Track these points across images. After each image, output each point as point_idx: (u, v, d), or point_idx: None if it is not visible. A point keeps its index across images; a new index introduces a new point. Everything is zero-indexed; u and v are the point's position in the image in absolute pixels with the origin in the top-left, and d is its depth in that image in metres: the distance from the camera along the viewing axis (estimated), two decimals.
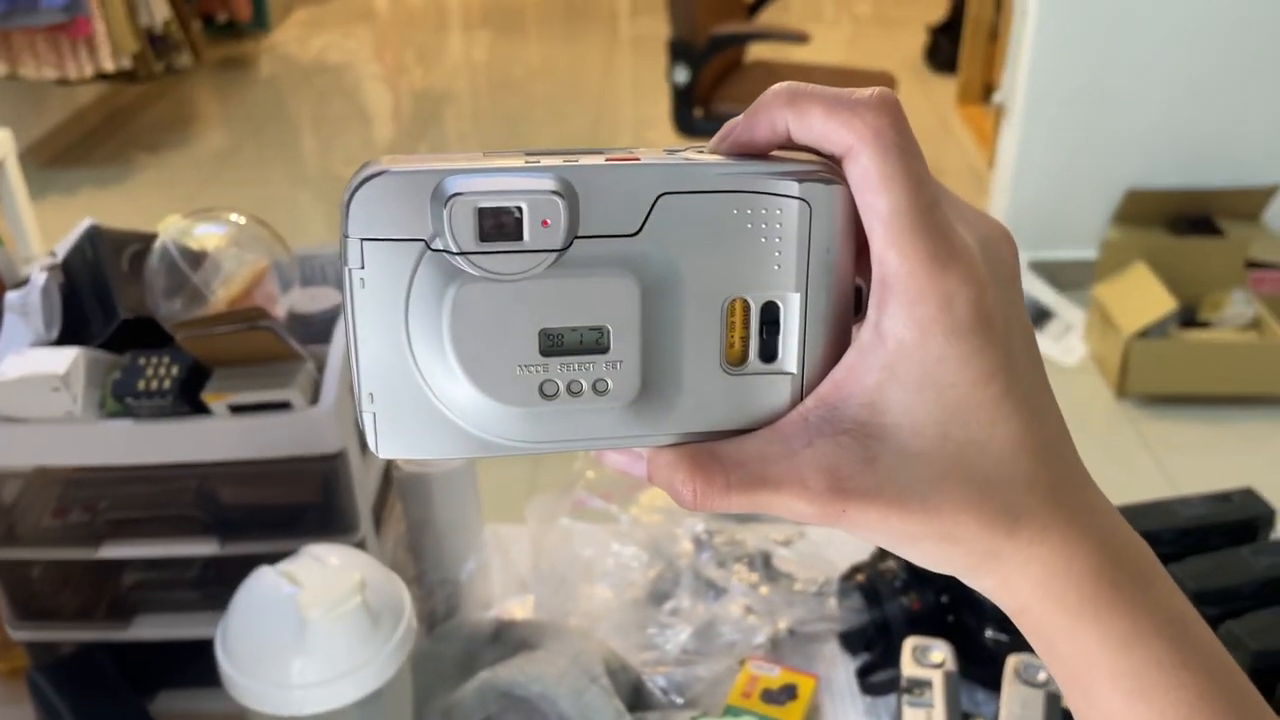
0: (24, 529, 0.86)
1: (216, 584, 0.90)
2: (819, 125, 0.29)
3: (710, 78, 3.05)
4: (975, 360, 0.29)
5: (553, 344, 0.30)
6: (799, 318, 0.31)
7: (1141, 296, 2.59)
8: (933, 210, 0.29)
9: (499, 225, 0.29)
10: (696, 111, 3.00)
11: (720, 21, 3.06)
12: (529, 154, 0.30)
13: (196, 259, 0.79)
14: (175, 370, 0.77)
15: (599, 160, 0.30)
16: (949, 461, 0.30)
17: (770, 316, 0.31)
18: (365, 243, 0.29)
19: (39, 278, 0.79)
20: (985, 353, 0.29)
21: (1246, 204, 2.82)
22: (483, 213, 0.28)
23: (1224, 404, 2.54)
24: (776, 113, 0.30)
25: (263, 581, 0.71)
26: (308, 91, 5.15)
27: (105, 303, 0.80)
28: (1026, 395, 0.30)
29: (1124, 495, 0.67)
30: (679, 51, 2.94)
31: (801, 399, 0.32)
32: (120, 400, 0.76)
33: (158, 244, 0.79)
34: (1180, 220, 2.83)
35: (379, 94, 5.33)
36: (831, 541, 1.02)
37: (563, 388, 0.30)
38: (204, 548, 0.83)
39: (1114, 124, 2.82)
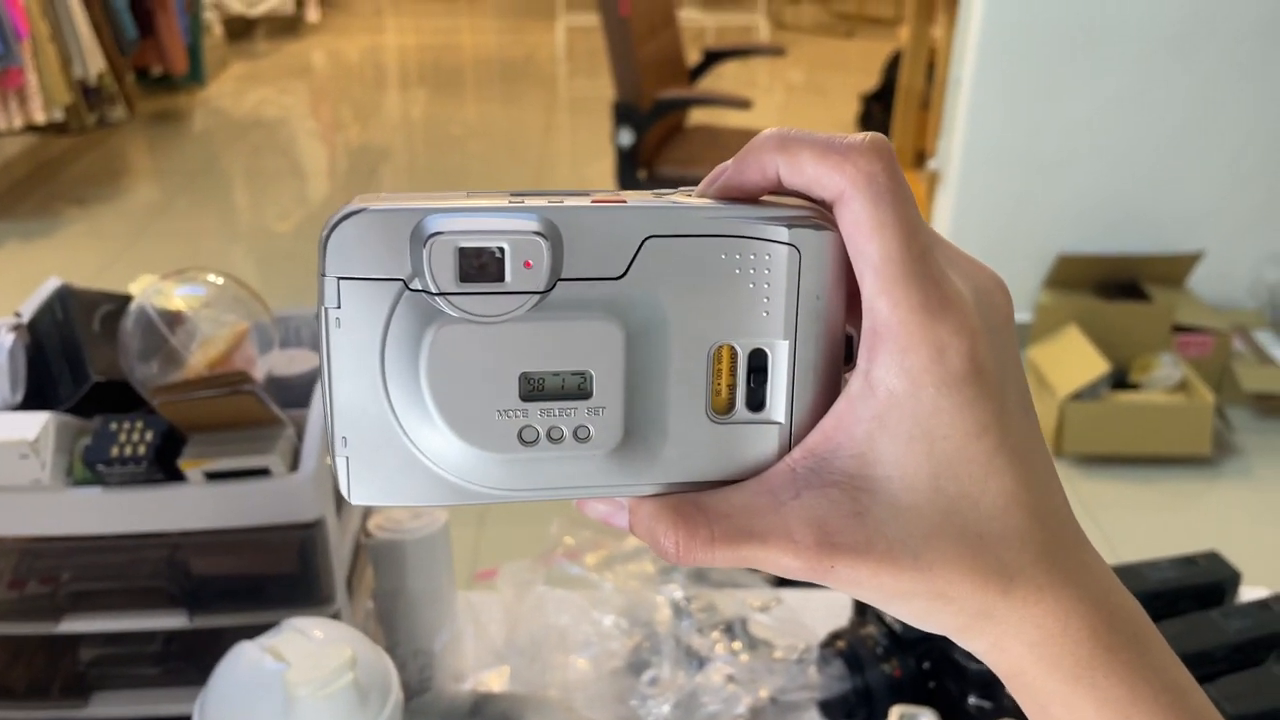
0: None
1: (180, 659, 0.86)
2: (810, 170, 0.29)
3: (654, 140, 3.09)
4: (968, 412, 0.28)
5: (533, 389, 0.29)
6: (787, 366, 0.30)
7: (1075, 359, 2.65)
8: (925, 257, 0.28)
9: (480, 266, 0.28)
10: (640, 173, 3.02)
11: (663, 86, 3.10)
12: (513, 194, 0.29)
13: (173, 320, 0.77)
14: (150, 436, 0.74)
15: (584, 201, 0.29)
16: (941, 516, 0.29)
17: (758, 364, 0.31)
18: (342, 281, 0.28)
19: (4, 339, 0.76)
20: (978, 404, 0.28)
21: (1172, 270, 2.92)
22: (463, 253, 0.28)
23: (1155, 464, 2.60)
24: (767, 157, 0.29)
25: (245, 657, 0.68)
26: (242, 146, 5.10)
27: (75, 365, 0.78)
28: (1020, 449, 0.29)
29: None
30: (624, 115, 2.97)
31: (789, 449, 0.31)
32: (91, 467, 0.73)
33: (134, 305, 0.77)
34: (1109, 285, 2.91)
35: (314, 150, 5.30)
36: (809, 607, 1.01)
37: (543, 434, 0.30)
38: (172, 620, 0.80)
39: (1045, 192, 2.91)
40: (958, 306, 0.28)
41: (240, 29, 6.39)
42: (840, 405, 0.29)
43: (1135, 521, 2.43)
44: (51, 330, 0.79)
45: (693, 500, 0.30)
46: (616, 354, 0.29)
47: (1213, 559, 0.99)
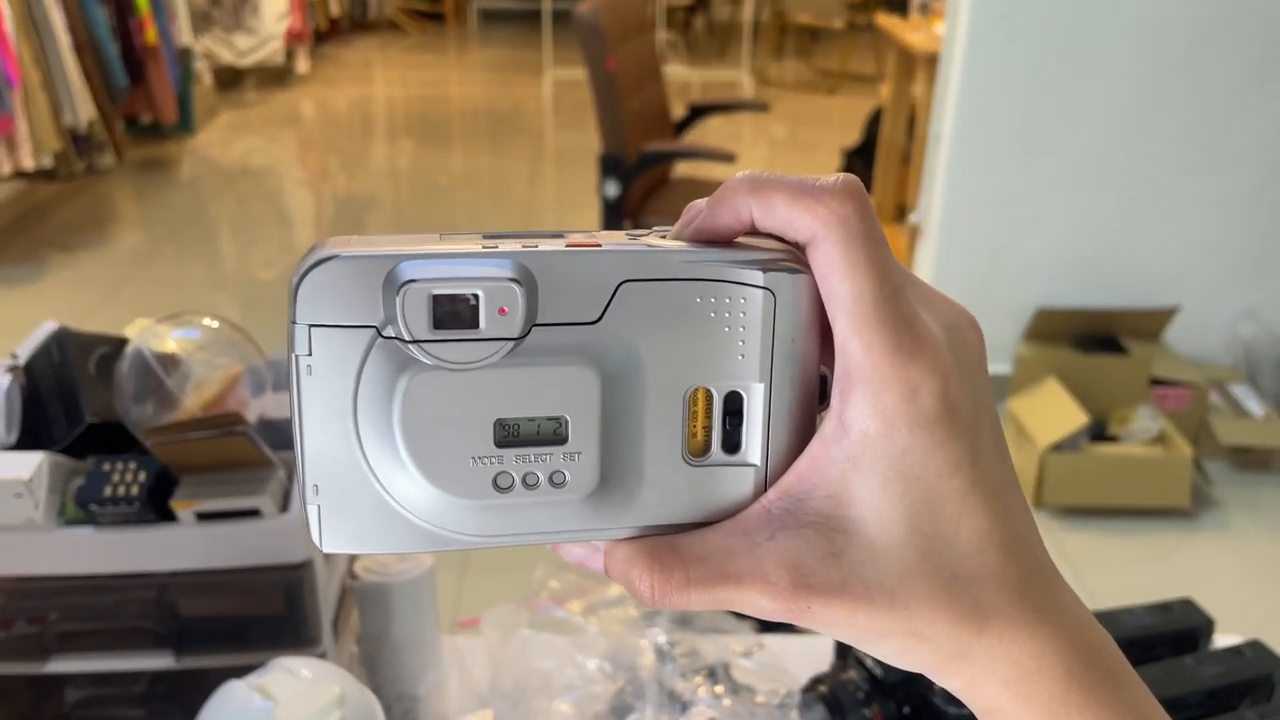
0: None
1: (165, 701, 0.87)
2: (783, 212, 0.29)
3: (639, 192, 3.13)
4: (940, 452, 0.28)
5: (508, 435, 0.29)
6: (763, 408, 0.31)
7: (1054, 411, 2.68)
8: (897, 298, 0.28)
9: (454, 313, 0.28)
10: (626, 224, 3.06)
11: (648, 139, 3.15)
12: (487, 237, 0.29)
13: (168, 363, 0.79)
14: (142, 476, 0.75)
15: (559, 245, 0.29)
16: (917, 555, 0.29)
17: (733, 406, 0.31)
18: (313, 329, 0.28)
19: (2, 380, 0.77)
20: (951, 444, 0.28)
21: (1149, 324, 2.96)
22: (437, 300, 0.28)
23: (1134, 516, 2.62)
24: (740, 199, 0.30)
25: (233, 696, 0.69)
26: (229, 194, 5.13)
27: (70, 406, 0.79)
28: (994, 487, 0.29)
29: None
30: (609, 167, 3.02)
31: (765, 490, 0.31)
32: (84, 507, 0.74)
33: (130, 348, 0.78)
34: (1087, 338, 2.95)
35: (301, 198, 5.33)
36: (790, 652, 1.02)
37: (518, 480, 0.29)
38: (158, 661, 0.81)
39: (1024, 246, 2.96)
40: (930, 347, 0.28)
41: (230, 79, 6.45)
42: (814, 446, 0.30)
43: (1114, 573, 2.44)
44: (47, 372, 0.80)
45: (668, 543, 0.30)
46: (592, 399, 0.29)
47: (1187, 606, 1.01)
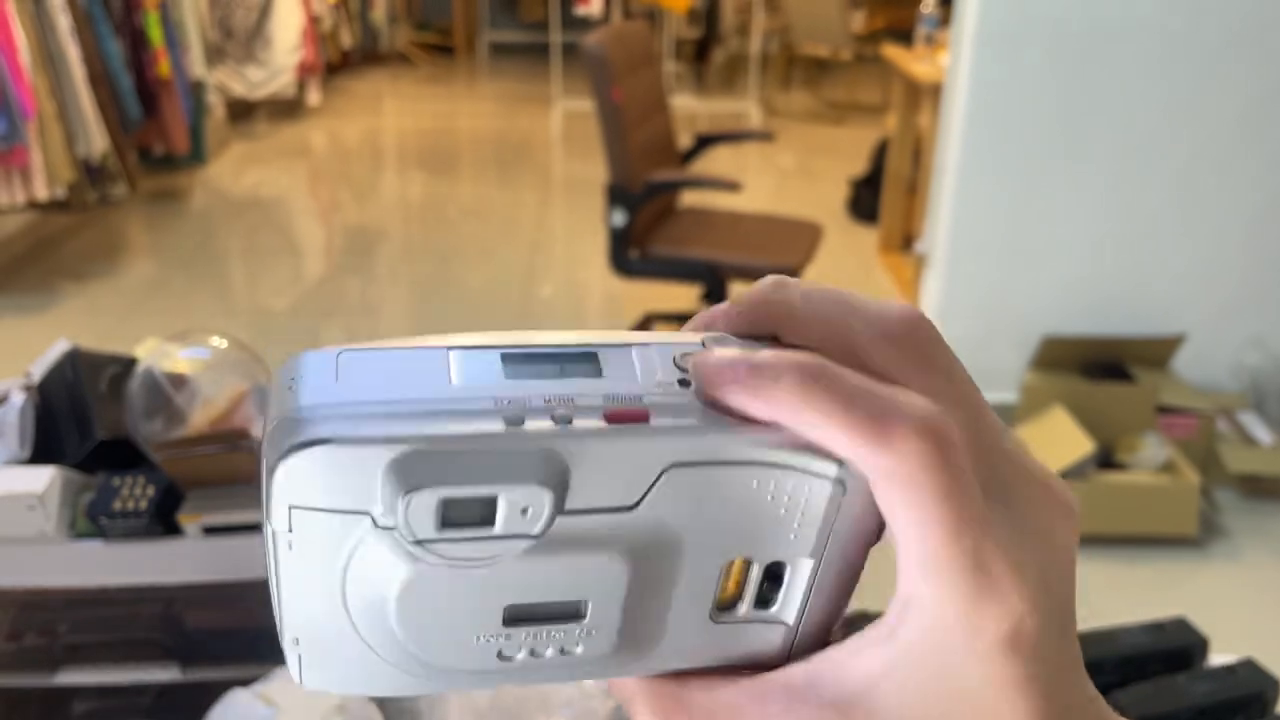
0: None
1: (170, 713, 0.88)
2: (839, 437, 0.25)
3: (646, 221, 3.16)
4: (997, 690, 0.26)
5: (519, 616, 0.26)
6: (808, 580, 0.28)
7: (1061, 439, 2.69)
8: (975, 551, 0.25)
9: (466, 515, 0.24)
10: (633, 253, 3.09)
11: (655, 169, 3.19)
12: (507, 362, 0.25)
13: (177, 382, 0.81)
14: (151, 491, 0.77)
15: (597, 421, 0.24)
16: None
17: (775, 573, 0.28)
18: (295, 510, 0.23)
19: (15, 398, 0.80)
20: (1012, 684, 0.26)
21: (1155, 352, 2.97)
22: (448, 504, 0.23)
23: (1141, 544, 2.62)
24: (784, 395, 0.25)
25: (236, 703, 0.71)
26: (240, 225, 5.18)
27: (82, 423, 0.81)
28: (1052, 688, 0.26)
29: None
30: (616, 196, 3.05)
31: (790, 652, 0.29)
32: (94, 520, 0.76)
33: (140, 367, 0.80)
34: (1094, 366, 2.96)
35: (311, 229, 5.38)
36: None
37: (524, 653, 0.26)
38: (164, 673, 0.82)
39: (1030, 275, 2.98)
40: (1002, 593, 0.25)
41: (242, 111, 6.53)
42: (857, 641, 0.27)
43: (1121, 601, 2.44)
44: (60, 390, 0.83)
45: (674, 691, 0.28)
46: (618, 585, 0.26)
47: (1181, 625, 1.01)
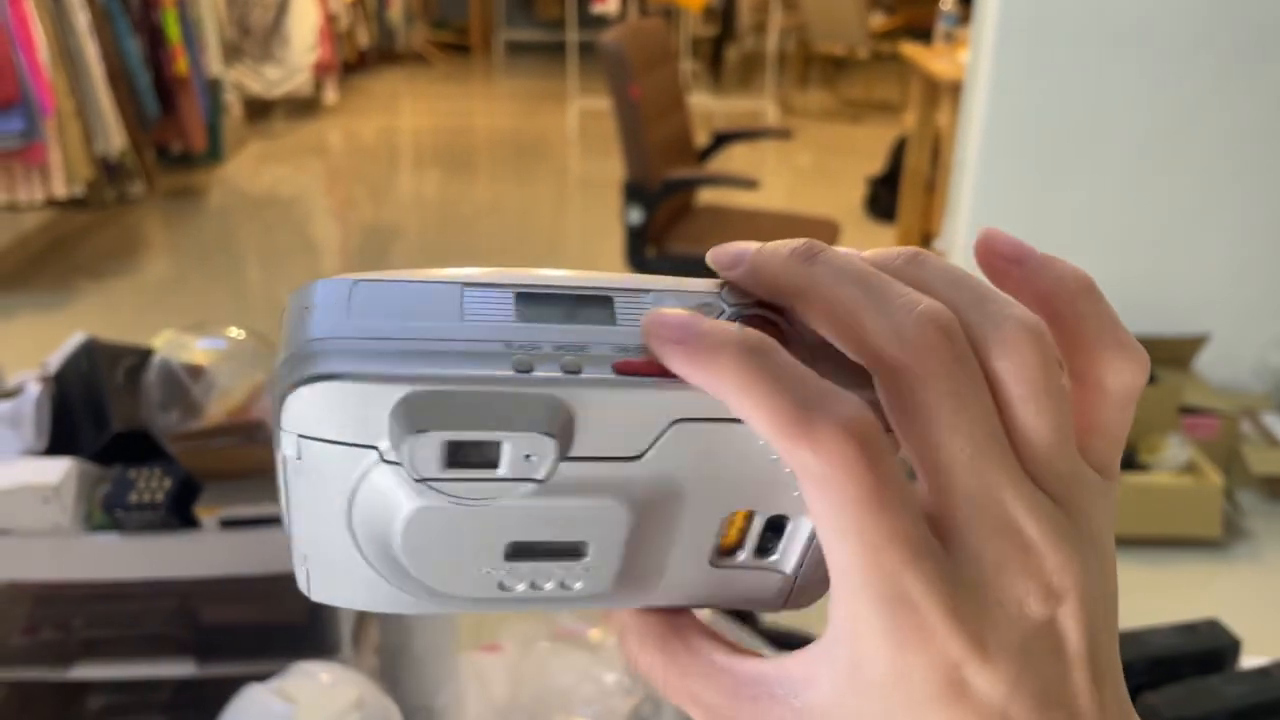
0: None
1: (188, 708, 0.87)
2: (766, 430, 0.23)
3: (663, 219, 3.14)
4: None
5: (520, 552, 0.26)
6: (808, 537, 0.27)
7: None
8: (897, 577, 0.23)
9: (471, 456, 0.24)
10: (649, 251, 3.08)
11: (672, 167, 3.17)
12: (521, 302, 0.25)
13: (194, 373, 0.80)
14: (167, 483, 0.76)
15: (606, 372, 0.24)
16: None
17: (776, 524, 0.27)
18: (304, 439, 0.24)
19: (31, 389, 0.79)
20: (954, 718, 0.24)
21: (1178, 352, 2.94)
22: (453, 445, 0.23)
23: (1163, 545, 2.59)
24: (726, 374, 0.24)
25: (254, 698, 0.69)
26: (257, 223, 5.19)
27: (98, 415, 0.80)
28: None
29: None
30: (633, 193, 3.03)
31: (787, 600, 0.29)
32: (110, 513, 0.75)
33: (156, 358, 0.79)
34: None
35: (328, 227, 5.38)
36: None
37: (524, 585, 0.27)
38: (180, 668, 0.81)
39: None
40: (929, 631, 0.23)
41: (259, 109, 6.54)
42: (816, 649, 0.26)
43: (1144, 603, 2.41)
44: (76, 382, 0.82)
45: (662, 640, 0.28)
46: (619, 530, 0.26)
47: (1213, 626, 1.00)
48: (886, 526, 0.23)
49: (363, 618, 0.94)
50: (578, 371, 0.24)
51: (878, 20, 7.27)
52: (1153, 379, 2.88)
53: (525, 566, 0.26)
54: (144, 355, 0.84)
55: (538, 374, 0.24)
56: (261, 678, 0.75)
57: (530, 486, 0.24)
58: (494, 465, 0.24)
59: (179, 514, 0.77)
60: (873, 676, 0.24)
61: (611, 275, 0.27)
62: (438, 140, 6.74)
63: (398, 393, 0.23)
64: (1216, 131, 2.80)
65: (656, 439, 0.25)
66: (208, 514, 0.76)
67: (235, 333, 0.83)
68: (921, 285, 0.26)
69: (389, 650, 0.93)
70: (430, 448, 0.23)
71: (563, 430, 0.24)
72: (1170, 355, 2.94)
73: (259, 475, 0.78)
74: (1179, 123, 2.79)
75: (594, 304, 0.25)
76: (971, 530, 0.24)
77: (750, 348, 0.23)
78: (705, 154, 3.51)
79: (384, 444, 0.24)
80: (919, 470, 0.25)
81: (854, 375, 0.25)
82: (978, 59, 2.86)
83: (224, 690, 0.74)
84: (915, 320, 0.24)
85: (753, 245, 0.27)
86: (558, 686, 0.97)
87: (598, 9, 7.33)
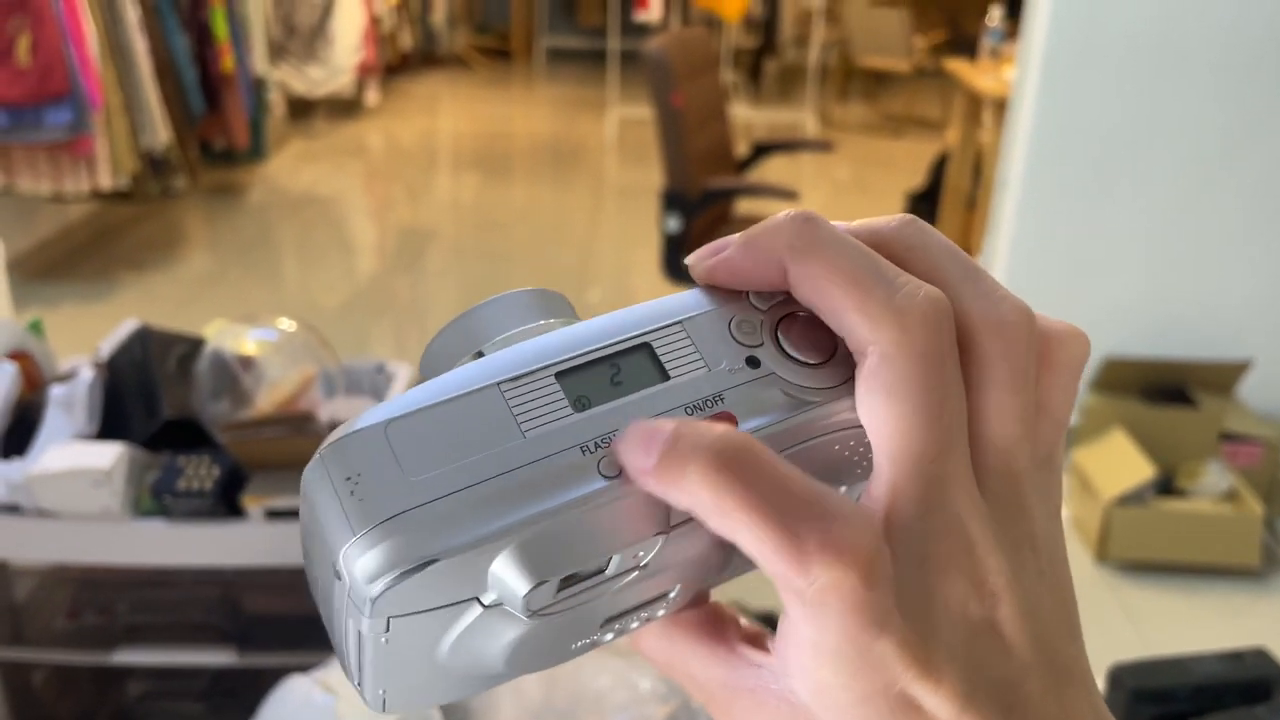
0: (33, 630, 0.83)
1: (225, 696, 0.88)
2: (754, 553, 0.22)
3: (701, 228, 3.14)
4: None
5: (614, 619, 0.26)
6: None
7: (1120, 463, 2.63)
8: (882, 673, 0.22)
9: (581, 575, 0.23)
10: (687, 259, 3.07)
11: (712, 176, 3.17)
12: (564, 382, 0.23)
13: (245, 363, 0.80)
14: (216, 471, 0.76)
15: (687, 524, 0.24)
16: None
17: None
18: (394, 619, 0.22)
19: (85, 374, 0.79)
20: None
21: (1220, 378, 2.90)
22: (566, 579, 0.22)
23: (1201, 573, 2.56)
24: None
25: (295, 689, 0.69)
26: (296, 221, 5.23)
27: (149, 402, 0.80)
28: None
29: (1105, 661, 0.67)
30: (672, 201, 3.03)
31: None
32: (159, 499, 0.75)
33: (209, 348, 0.80)
34: (1156, 390, 2.90)
35: (365, 227, 5.42)
36: None
37: (611, 635, 0.26)
38: (221, 657, 0.81)
39: (1092, 294, 2.92)
40: (884, 668, 0.22)
41: (301, 109, 6.59)
42: (784, 624, 0.24)
43: (1180, 631, 2.38)
44: (128, 368, 0.82)
45: (666, 628, 0.27)
46: (706, 570, 0.26)
47: (1260, 656, 0.98)
48: (881, 649, 0.22)
49: None
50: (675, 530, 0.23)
51: (921, 36, 7.24)
52: (1194, 404, 2.84)
53: (616, 624, 0.26)
54: (196, 344, 0.84)
55: (623, 487, 0.22)
56: (299, 669, 0.74)
57: (633, 575, 0.24)
58: (603, 570, 0.23)
59: (225, 502, 0.77)
60: (824, 692, 0.23)
61: (636, 311, 0.25)
62: (477, 144, 6.77)
63: (501, 548, 0.21)
64: (1262, 156, 2.76)
65: None
66: (254, 503, 0.76)
67: (286, 324, 0.84)
68: (919, 249, 0.25)
69: None
70: (546, 590, 0.22)
71: (664, 519, 0.23)
72: (1212, 381, 2.90)
73: (304, 467, 0.78)
74: (1224, 146, 2.76)
75: (635, 357, 0.24)
76: (922, 530, 0.23)
77: (723, 452, 0.22)
78: (745, 164, 3.50)
79: (488, 597, 0.22)
80: (877, 451, 0.23)
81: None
82: (1024, 76, 2.84)
83: (259, 680, 0.74)
84: (917, 305, 0.23)
85: (730, 238, 0.26)
86: (592, 691, 0.97)
87: (640, 17, 7.35)
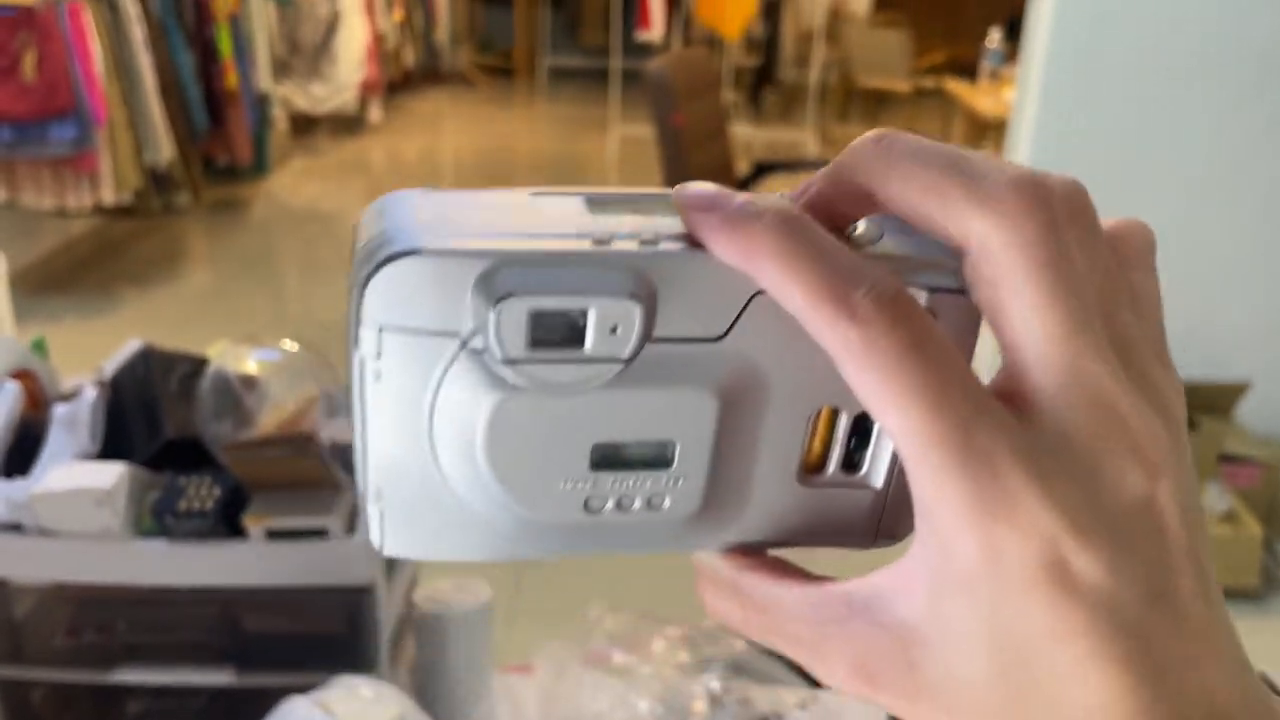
0: (32, 648, 0.84)
1: (224, 716, 0.88)
2: (798, 304, 0.22)
3: None
4: (1042, 618, 0.22)
5: (606, 458, 0.25)
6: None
7: None
8: (969, 432, 0.21)
9: (556, 331, 0.23)
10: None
11: None
12: (592, 204, 0.25)
13: (248, 383, 0.81)
14: (217, 492, 0.77)
15: (681, 245, 0.24)
16: (999, 703, 0.23)
17: (863, 428, 0.27)
18: (385, 331, 0.23)
19: (88, 393, 0.80)
20: (1059, 609, 0.22)
21: (1219, 399, 2.90)
22: (539, 316, 0.23)
23: None
24: (758, 240, 0.23)
25: (296, 711, 0.70)
26: (298, 237, 5.25)
27: (152, 421, 0.81)
28: (1136, 650, 0.22)
29: None
30: None
31: (880, 521, 0.28)
32: (159, 519, 0.76)
33: (212, 367, 0.80)
34: None
35: None
36: (846, 709, 1.01)
37: (611, 504, 0.26)
38: (219, 677, 0.82)
39: None
40: (1016, 500, 0.21)
41: (305, 125, 6.62)
42: (908, 561, 0.24)
43: None
44: (131, 387, 0.83)
45: (736, 579, 0.27)
46: (707, 424, 0.25)
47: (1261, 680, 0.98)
48: (945, 377, 0.22)
49: (400, 635, 0.94)
50: (655, 243, 0.24)
51: (921, 57, 7.27)
52: (1193, 426, 2.84)
53: (610, 478, 0.26)
54: (198, 364, 0.85)
55: (616, 245, 0.23)
56: (299, 689, 0.75)
57: (615, 369, 0.24)
58: (579, 343, 0.23)
59: (226, 522, 0.77)
60: (964, 566, 0.22)
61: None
62: (479, 161, 6.79)
63: (480, 265, 0.23)
64: (1262, 177, 2.77)
65: (738, 316, 0.24)
66: (255, 523, 0.76)
67: (289, 345, 0.84)
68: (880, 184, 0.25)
69: (424, 667, 0.93)
70: (515, 320, 0.23)
71: (648, 299, 0.23)
72: (1211, 402, 2.91)
73: (307, 487, 0.79)
74: (1224, 167, 2.77)
75: (661, 200, 0.25)
76: (1061, 400, 0.22)
77: (786, 220, 0.23)
78: (745, 183, 3.52)
79: (466, 327, 0.23)
80: (1004, 347, 0.23)
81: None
82: (1024, 97, 2.86)
83: (257, 700, 0.75)
84: (1009, 183, 0.23)
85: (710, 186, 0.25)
86: (590, 712, 0.97)
87: (642, 36, 7.38)
